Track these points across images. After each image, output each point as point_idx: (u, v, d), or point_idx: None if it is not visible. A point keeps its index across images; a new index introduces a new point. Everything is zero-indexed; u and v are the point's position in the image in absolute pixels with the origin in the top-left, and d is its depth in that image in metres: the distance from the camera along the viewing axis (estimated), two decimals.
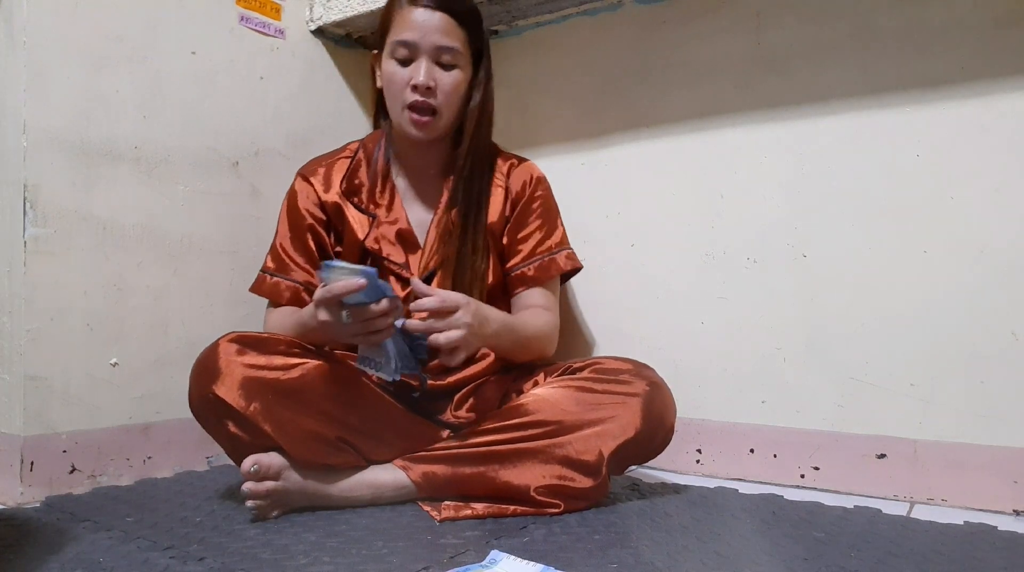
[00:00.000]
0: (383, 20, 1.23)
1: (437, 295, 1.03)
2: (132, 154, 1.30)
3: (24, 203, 1.17)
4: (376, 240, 1.24)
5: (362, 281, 0.97)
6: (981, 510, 1.15)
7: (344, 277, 0.99)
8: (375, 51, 1.26)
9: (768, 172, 1.34)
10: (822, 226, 1.29)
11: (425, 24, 1.17)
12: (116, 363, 1.28)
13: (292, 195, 1.28)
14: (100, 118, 1.25)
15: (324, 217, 1.26)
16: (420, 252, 1.25)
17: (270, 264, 1.27)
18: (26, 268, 1.17)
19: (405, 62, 1.18)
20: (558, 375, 1.17)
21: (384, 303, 1.00)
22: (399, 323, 1.04)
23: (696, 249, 1.41)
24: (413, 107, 1.18)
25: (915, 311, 1.21)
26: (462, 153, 1.23)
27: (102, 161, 1.26)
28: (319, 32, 1.60)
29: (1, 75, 1.20)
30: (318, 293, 1.02)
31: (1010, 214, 1.15)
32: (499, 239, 1.28)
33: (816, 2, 1.30)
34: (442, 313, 1.02)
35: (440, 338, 1.01)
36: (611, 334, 1.51)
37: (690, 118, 1.42)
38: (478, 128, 1.24)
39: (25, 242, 1.17)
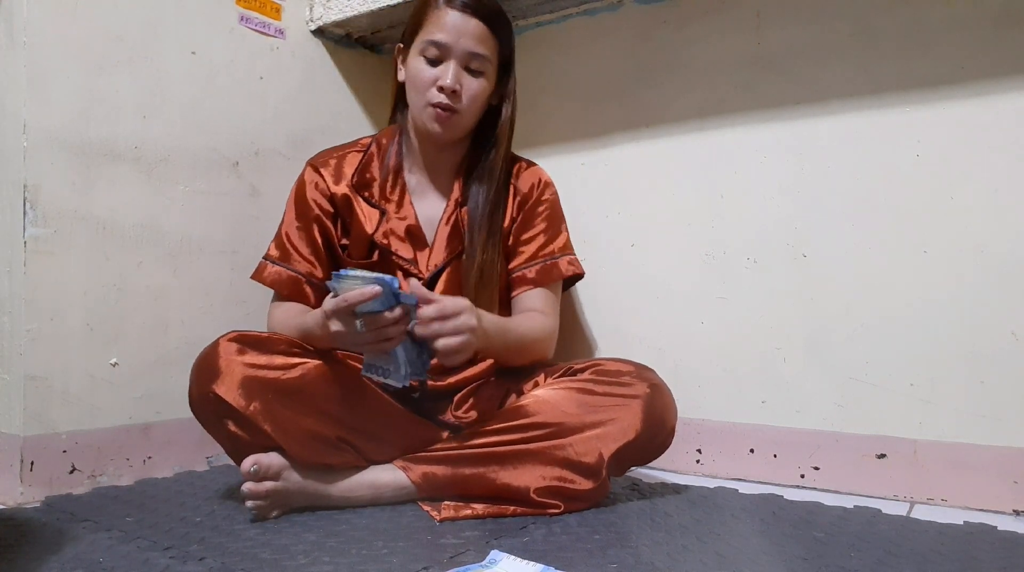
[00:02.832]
0: (415, 15, 1.22)
1: (438, 302, 1.01)
2: (132, 154, 1.30)
3: (24, 203, 1.17)
4: (385, 235, 1.24)
5: (377, 289, 0.95)
6: (981, 510, 1.15)
7: (357, 285, 0.97)
8: (400, 44, 1.25)
9: (768, 172, 1.34)
10: (822, 226, 1.29)
11: (460, 28, 1.16)
12: (116, 363, 1.28)
13: (301, 184, 1.27)
14: (100, 118, 1.25)
15: (332, 209, 1.26)
16: (428, 249, 1.25)
17: (273, 252, 1.26)
18: (26, 268, 1.17)
19: (434, 62, 1.18)
20: (559, 376, 1.17)
21: (398, 310, 0.98)
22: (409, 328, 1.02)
23: (696, 249, 1.41)
24: (437, 106, 1.18)
25: (915, 311, 1.21)
26: (494, 162, 1.24)
27: (102, 161, 1.26)
28: (319, 32, 1.60)
29: (1, 75, 1.20)
30: (330, 303, 1.01)
31: (1010, 214, 1.15)
32: (505, 240, 1.28)
33: (816, 2, 1.30)
34: (445, 317, 1.00)
35: (446, 342, 0.99)
36: (611, 334, 1.51)
37: (690, 118, 1.42)
38: (507, 139, 1.25)
39: (25, 242, 1.17)
